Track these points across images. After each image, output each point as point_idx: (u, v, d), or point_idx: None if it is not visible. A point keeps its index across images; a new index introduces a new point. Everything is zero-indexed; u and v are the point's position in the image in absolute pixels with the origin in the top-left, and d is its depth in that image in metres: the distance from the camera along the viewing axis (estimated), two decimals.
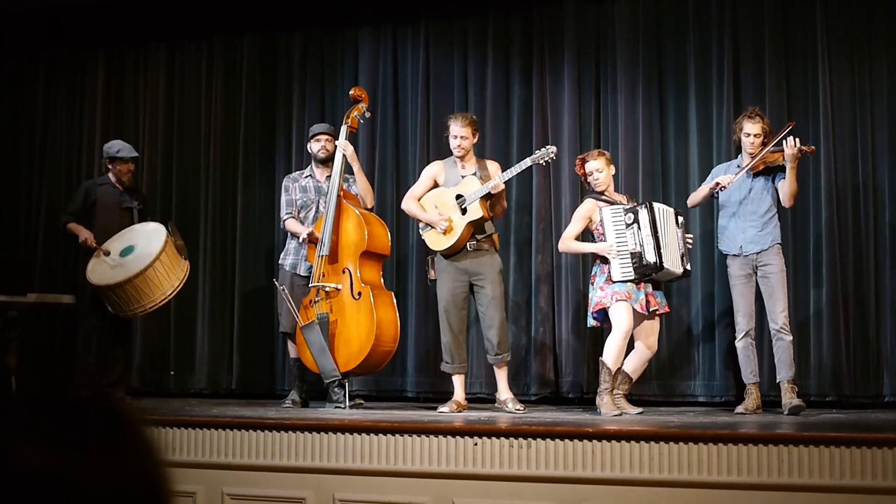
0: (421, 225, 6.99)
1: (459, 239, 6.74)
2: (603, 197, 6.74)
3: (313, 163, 7.39)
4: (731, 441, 4.80)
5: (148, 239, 7.26)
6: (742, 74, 7.70)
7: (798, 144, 6.57)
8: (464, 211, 6.74)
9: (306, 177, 7.37)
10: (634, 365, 6.66)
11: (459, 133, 6.86)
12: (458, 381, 6.91)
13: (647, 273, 6.49)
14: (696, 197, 6.98)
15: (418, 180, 7.13)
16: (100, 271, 7.21)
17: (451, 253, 6.81)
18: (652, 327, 6.67)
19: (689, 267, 6.71)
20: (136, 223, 7.52)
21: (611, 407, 6.38)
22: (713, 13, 7.79)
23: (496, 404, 6.92)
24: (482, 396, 7.71)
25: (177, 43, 9.16)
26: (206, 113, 9.00)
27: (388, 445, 5.23)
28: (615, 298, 6.45)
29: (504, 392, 6.83)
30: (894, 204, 7.33)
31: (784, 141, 6.60)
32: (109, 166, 7.68)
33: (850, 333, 7.29)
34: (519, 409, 6.64)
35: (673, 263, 6.54)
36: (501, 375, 6.86)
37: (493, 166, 6.90)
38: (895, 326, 7.23)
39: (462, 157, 6.89)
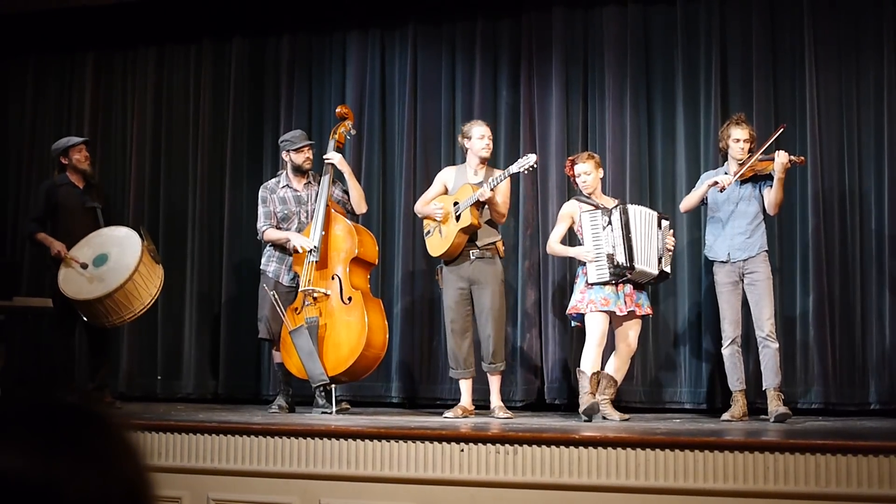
0: (425, 231, 7.06)
1: (452, 245, 6.82)
2: (584, 199, 6.81)
3: (290, 172, 7.30)
4: (718, 448, 4.80)
5: (121, 247, 7.11)
6: (729, 81, 7.72)
7: (788, 155, 6.61)
8: (458, 218, 6.79)
9: (283, 187, 7.29)
10: (616, 366, 6.78)
11: (487, 133, 6.97)
12: (464, 387, 6.97)
13: (620, 274, 6.59)
14: (689, 201, 6.97)
15: (431, 185, 7.22)
16: (76, 284, 7.04)
17: (448, 259, 6.92)
18: (631, 328, 6.74)
19: (667, 269, 6.76)
20: (101, 224, 7.36)
21: (586, 403, 6.53)
22: (701, 20, 7.80)
23: (489, 411, 6.95)
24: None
25: (165, 46, 9.14)
26: (195, 116, 8.99)
27: (374, 451, 5.22)
28: (591, 307, 6.60)
29: (494, 400, 6.90)
30: (881, 211, 7.36)
31: (776, 151, 6.63)
32: (65, 161, 7.47)
33: (837, 341, 7.31)
34: (507, 417, 6.68)
35: (648, 264, 6.64)
36: (493, 383, 6.92)
37: (498, 173, 6.93)
38: (881, 334, 7.25)
39: (484, 161, 6.94)
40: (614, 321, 6.70)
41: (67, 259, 7.09)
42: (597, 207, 6.77)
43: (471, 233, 6.82)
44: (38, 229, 7.37)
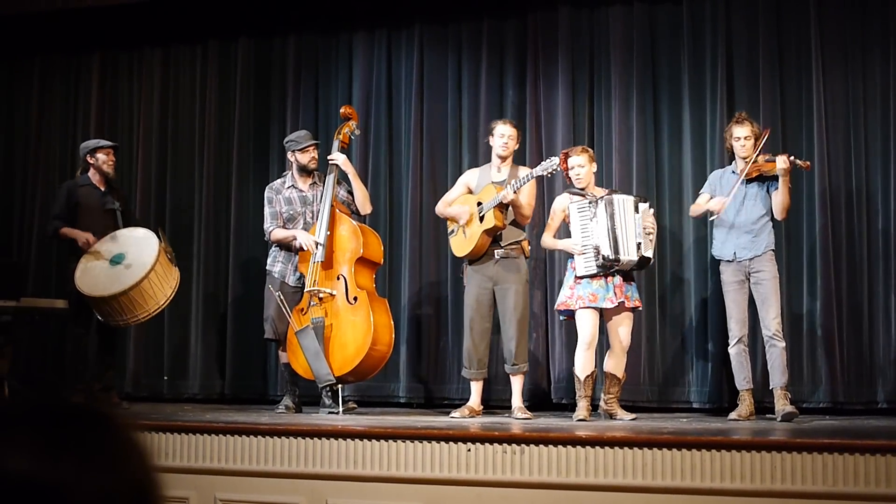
0: (449, 230, 7.07)
1: (476, 246, 6.82)
2: (576, 191, 6.83)
3: (296, 172, 7.31)
4: (725, 448, 4.80)
5: (139, 247, 7.16)
6: (736, 81, 7.71)
7: (792, 159, 6.61)
8: (482, 219, 6.79)
9: (289, 187, 7.29)
10: (614, 363, 6.77)
11: (507, 132, 6.96)
12: (475, 387, 6.95)
13: (608, 266, 6.60)
14: (696, 210, 6.99)
15: (453, 187, 7.23)
16: (91, 281, 7.08)
17: (473, 259, 6.91)
18: (621, 324, 6.71)
19: (647, 254, 6.68)
20: (120, 227, 7.40)
21: (580, 413, 6.56)
22: (707, 20, 7.80)
23: (507, 411, 6.96)
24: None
25: (171, 47, 9.15)
26: (201, 117, 8.99)
27: (381, 451, 5.23)
28: (579, 304, 6.63)
29: (516, 400, 6.86)
30: (888, 210, 7.35)
31: (778, 155, 6.62)
32: (91, 161, 7.54)
33: (844, 340, 7.30)
34: (526, 418, 6.65)
35: (629, 253, 6.61)
36: (515, 384, 6.89)
37: (522, 173, 6.90)
38: (888, 333, 7.24)
39: (503, 159, 6.93)
40: (605, 315, 6.71)
41: (96, 252, 7.15)
42: (585, 199, 6.76)
43: (494, 234, 6.82)
44: (62, 225, 7.43)
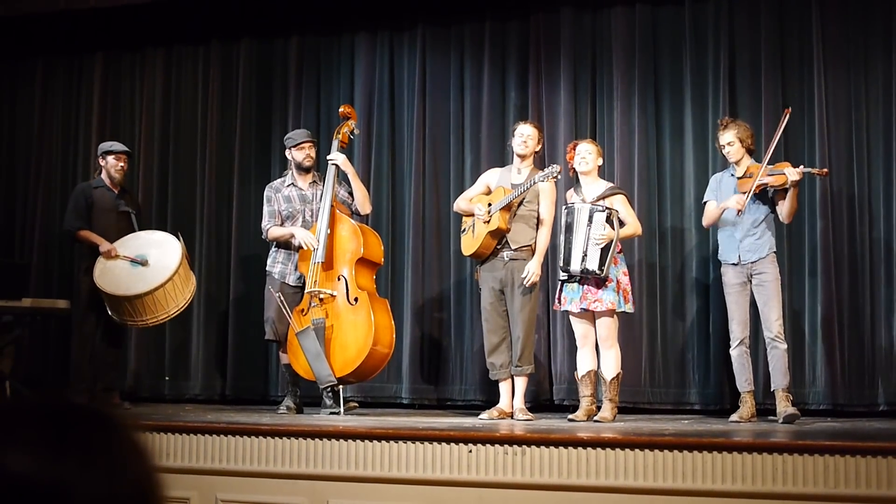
0: (462, 228, 7.09)
1: (481, 246, 6.82)
2: (577, 191, 6.86)
3: (295, 171, 7.32)
4: (726, 449, 4.79)
5: (161, 249, 7.20)
6: (738, 82, 7.71)
7: (805, 170, 6.60)
8: (490, 220, 6.79)
9: (288, 185, 7.30)
10: (602, 365, 6.74)
11: (525, 132, 6.95)
12: (501, 388, 6.91)
13: (571, 275, 6.64)
14: (709, 217, 6.92)
15: (474, 184, 7.23)
16: (113, 280, 7.10)
17: (480, 259, 6.92)
18: (599, 325, 6.69)
19: (590, 266, 6.55)
20: (136, 228, 7.46)
21: (577, 413, 6.65)
22: (709, 21, 7.80)
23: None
24: (476, 403, 7.71)
25: (173, 47, 9.16)
26: (203, 118, 9.00)
27: (382, 452, 5.22)
28: (559, 304, 6.80)
29: (517, 401, 6.84)
30: (889, 212, 7.35)
31: (786, 168, 6.60)
32: (102, 163, 7.60)
33: (845, 342, 7.30)
34: (527, 419, 6.65)
35: (575, 263, 6.61)
36: (518, 385, 6.87)
37: (537, 177, 6.88)
38: (889, 335, 7.24)
39: (522, 159, 6.93)
40: (593, 318, 6.72)
41: (118, 257, 7.17)
42: (573, 204, 6.78)
43: (499, 236, 6.80)
44: (83, 226, 7.46)
